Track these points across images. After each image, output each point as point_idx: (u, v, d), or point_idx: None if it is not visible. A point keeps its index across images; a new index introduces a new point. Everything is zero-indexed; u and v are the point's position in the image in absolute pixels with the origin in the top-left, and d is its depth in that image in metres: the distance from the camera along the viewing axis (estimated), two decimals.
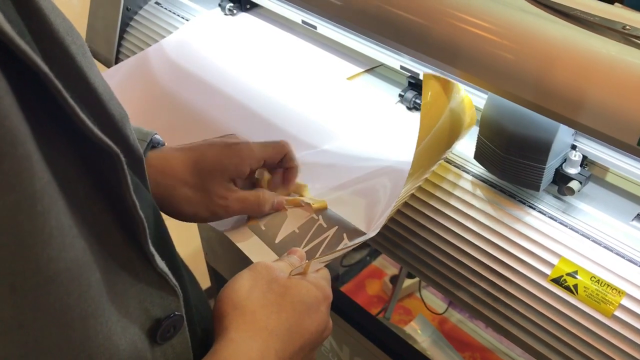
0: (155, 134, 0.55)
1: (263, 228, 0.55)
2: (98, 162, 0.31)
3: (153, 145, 0.55)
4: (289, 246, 0.54)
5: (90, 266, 0.30)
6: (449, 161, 0.66)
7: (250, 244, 0.54)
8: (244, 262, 0.60)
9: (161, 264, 0.37)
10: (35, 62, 0.24)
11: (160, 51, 0.88)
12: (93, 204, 0.31)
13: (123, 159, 0.31)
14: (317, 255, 0.53)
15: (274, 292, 0.45)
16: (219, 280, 1.34)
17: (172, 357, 0.39)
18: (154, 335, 0.37)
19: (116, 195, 0.32)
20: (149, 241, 0.35)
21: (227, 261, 0.70)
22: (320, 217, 0.56)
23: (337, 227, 0.55)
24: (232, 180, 0.55)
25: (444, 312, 1.54)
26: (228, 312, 0.43)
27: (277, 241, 0.54)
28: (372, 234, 0.53)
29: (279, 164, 0.59)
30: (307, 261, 0.48)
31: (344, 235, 0.55)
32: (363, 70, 0.81)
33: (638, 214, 0.57)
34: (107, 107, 0.38)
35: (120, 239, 0.34)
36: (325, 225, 0.56)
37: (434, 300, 1.60)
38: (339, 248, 0.53)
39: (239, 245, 0.54)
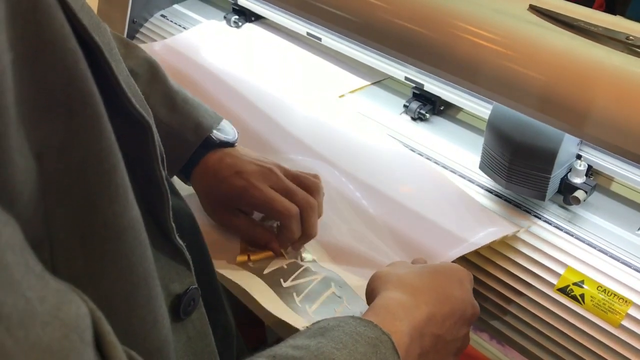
0: (218, 126, 0.59)
1: (251, 265, 0.57)
2: (130, 132, 0.32)
3: (225, 143, 0.59)
4: (276, 277, 0.56)
5: (144, 228, 0.31)
6: (453, 171, 0.66)
7: (238, 274, 0.56)
8: None
9: (178, 237, 0.38)
10: (91, 36, 0.27)
11: (161, 55, 0.88)
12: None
13: (154, 129, 0.33)
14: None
15: (418, 267, 0.50)
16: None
17: (193, 334, 0.40)
18: (177, 312, 0.38)
19: (143, 168, 0.34)
20: (171, 214, 0.36)
21: None
22: (305, 264, 0.58)
23: (324, 274, 0.57)
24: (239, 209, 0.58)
25: None
26: (380, 283, 0.47)
27: (265, 272, 0.56)
28: None
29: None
30: None
31: (332, 283, 0.56)
32: (369, 83, 0.81)
33: None
34: (132, 103, 0.39)
35: (142, 210, 0.35)
36: (313, 270, 0.57)
37: None
38: None
39: (224, 272, 0.55)
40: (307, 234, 0.57)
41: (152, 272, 0.31)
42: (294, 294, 0.54)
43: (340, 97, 0.79)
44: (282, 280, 0.55)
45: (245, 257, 0.57)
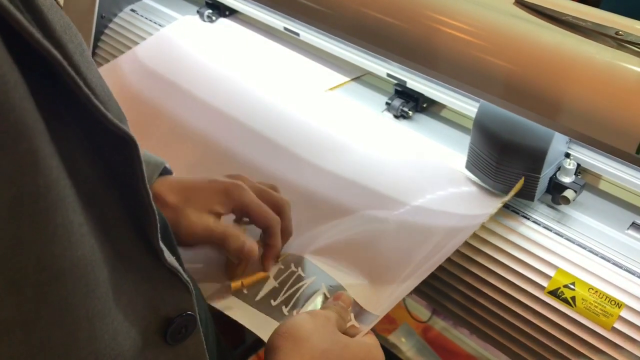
0: (166, 164, 0.56)
1: (245, 292, 0.55)
2: (110, 152, 0.30)
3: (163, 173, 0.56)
4: (268, 300, 0.54)
5: (99, 264, 0.29)
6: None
7: (233, 306, 0.54)
8: None
9: (170, 259, 0.35)
10: (48, 50, 0.24)
11: (133, 60, 0.85)
12: (103, 198, 0.31)
13: (138, 145, 0.30)
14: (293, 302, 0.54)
15: (335, 342, 0.45)
16: None
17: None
18: (164, 335, 0.36)
19: (127, 187, 0.31)
20: (159, 235, 0.34)
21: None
22: (299, 268, 0.56)
23: (315, 277, 0.56)
24: (211, 212, 0.54)
25: (428, 320, 1.53)
26: (287, 347, 0.43)
27: (257, 298, 0.54)
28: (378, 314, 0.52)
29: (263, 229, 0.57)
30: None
31: (322, 284, 0.55)
32: (349, 79, 0.79)
33: (633, 223, 0.56)
34: (106, 107, 0.36)
35: (129, 234, 0.33)
36: (304, 275, 0.56)
37: (418, 308, 1.59)
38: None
39: (224, 310, 0.54)
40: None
41: (101, 310, 0.29)
42: (283, 307, 0.53)
43: (327, 90, 0.77)
44: (272, 300, 0.54)
45: (239, 284, 0.55)
